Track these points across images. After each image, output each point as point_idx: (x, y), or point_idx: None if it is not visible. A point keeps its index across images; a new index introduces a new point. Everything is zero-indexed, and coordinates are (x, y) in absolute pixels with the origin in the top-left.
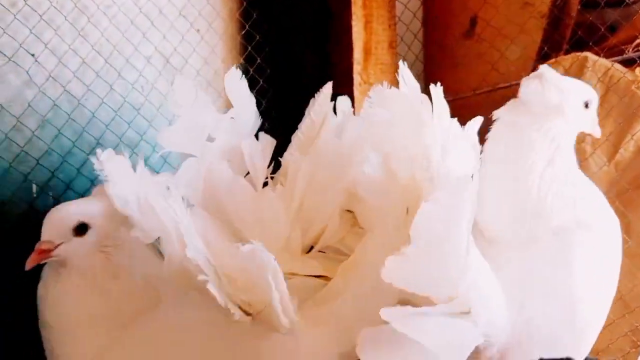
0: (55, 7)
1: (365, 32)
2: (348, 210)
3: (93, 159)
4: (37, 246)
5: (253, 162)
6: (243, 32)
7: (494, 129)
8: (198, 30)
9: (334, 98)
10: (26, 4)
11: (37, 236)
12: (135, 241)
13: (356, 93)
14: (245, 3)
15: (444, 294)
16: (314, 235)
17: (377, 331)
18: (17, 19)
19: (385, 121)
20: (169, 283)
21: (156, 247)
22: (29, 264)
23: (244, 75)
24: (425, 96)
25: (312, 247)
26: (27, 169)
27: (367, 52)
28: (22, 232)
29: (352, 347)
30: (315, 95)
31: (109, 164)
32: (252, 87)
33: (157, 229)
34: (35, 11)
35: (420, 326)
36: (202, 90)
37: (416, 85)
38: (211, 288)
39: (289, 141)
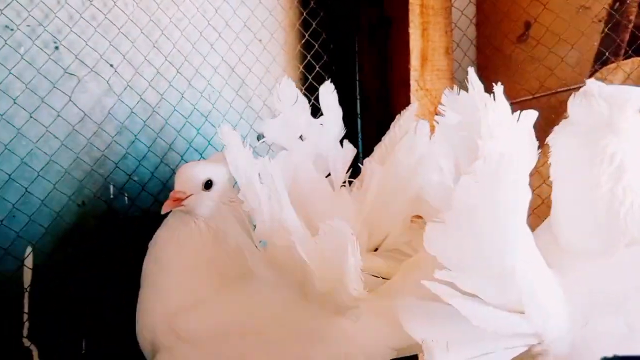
0: (132, 21)
1: (422, 39)
2: (418, 216)
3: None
4: (172, 195)
5: (335, 165)
6: (302, 41)
7: (552, 151)
8: (260, 41)
9: (391, 104)
10: (106, 17)
11: (114, 233)
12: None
13: (412, 99)
14: (305, 14)
15: (485, 273)
16: (380, 238)
17: (420, 306)
18: (98, 32)
19: (455, 125)
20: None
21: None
22: (165, 209)
23: (301, 85)
24: (489, 97)
25: (376, 249)
26: (106, 171)
27: (423, 58)
28: (101, 230)
29: (405, 344)
30: (401, 112)
31: (228, 136)
32: (311, 93)
33: (253, 200)
34: (114, 24)
35: (472, 306)
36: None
37: (482, 88)
38: (300, 248)
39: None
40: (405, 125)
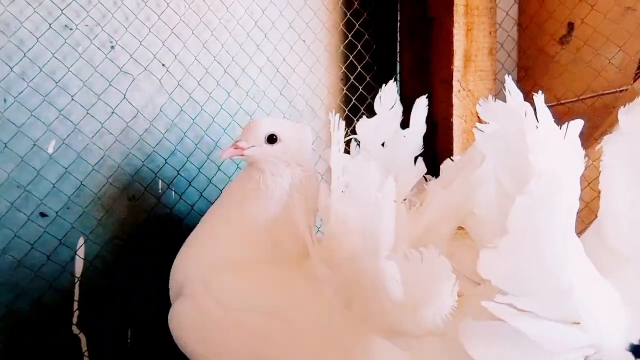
0: (183, 22)
1: (466, 39)
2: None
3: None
4: (234, 143)
5: (403, 180)
6: (345, 41)
7: (603, 160)
8: (304, 41)
9: (432, 104)
10: (159, 18)
11: (163, 227)
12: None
13: (455, 100)
14: (348, 14)
15: (542, 293)
16: None
17: (480, 325)
18: (152, 32)
19: (494, 134)
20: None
21: None
22: (225, 155)
23: (342, 85)
24: (529, 105)
25: None
26: (156, 167)
27: (467, 59)
28: (150, 223)
29: None
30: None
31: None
32: (352, 93)
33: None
34: (167, 25)
35: (529, 323)
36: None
37: (520, 96)
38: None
39: None
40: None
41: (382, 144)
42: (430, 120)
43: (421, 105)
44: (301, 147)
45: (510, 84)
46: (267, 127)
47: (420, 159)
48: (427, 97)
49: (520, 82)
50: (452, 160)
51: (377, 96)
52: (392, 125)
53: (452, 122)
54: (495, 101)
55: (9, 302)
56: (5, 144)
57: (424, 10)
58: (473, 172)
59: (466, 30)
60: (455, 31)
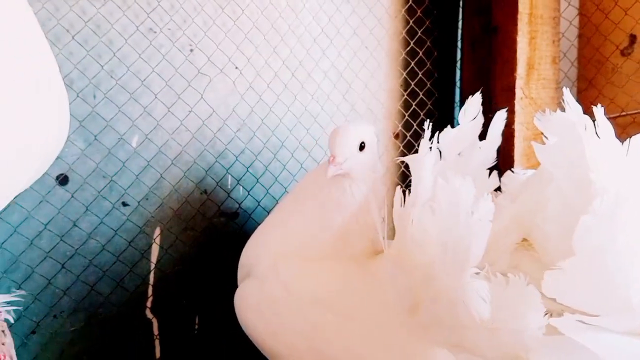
0: (256, 27)
1: (529, 47)
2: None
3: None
4: (333, 160)
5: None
6: (407, 48)
7: None
8: (367, 47)
9: (493, 111)
10: (234, 24)
11: (232, 220)
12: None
13: (517, 107)
14: (411, 22)
15: (611, 311)
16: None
17: (549, 341)
18: (227, 37)
19: (553, 147)
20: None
21: None
22: (331, 174)
23: (402, 91)
24: (588, 119)
25: None
26: (227, 163)
27: (530, 66)
28: (221, 217)
29: None
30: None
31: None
32: (412, 99)
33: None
34: (241, 30)
35: (597, 339)
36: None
37: (579, 108)
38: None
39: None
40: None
41: (459, 154)
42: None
43: (500, 119)
44: (375, 150)
45: (568, 95)
46: (358, 136)
47: (494, 174)
48: (488, 105)
49: (583, 92)
50: (512, 172)
51: (463, 108)
52: (472, 135)
53: (513, 129)
54: (553, 113)
55: (92, 283)
56: (95, 136)
57: (487, 19)
58: (542, 187)
59: (530, 38)
60: (519, 39)
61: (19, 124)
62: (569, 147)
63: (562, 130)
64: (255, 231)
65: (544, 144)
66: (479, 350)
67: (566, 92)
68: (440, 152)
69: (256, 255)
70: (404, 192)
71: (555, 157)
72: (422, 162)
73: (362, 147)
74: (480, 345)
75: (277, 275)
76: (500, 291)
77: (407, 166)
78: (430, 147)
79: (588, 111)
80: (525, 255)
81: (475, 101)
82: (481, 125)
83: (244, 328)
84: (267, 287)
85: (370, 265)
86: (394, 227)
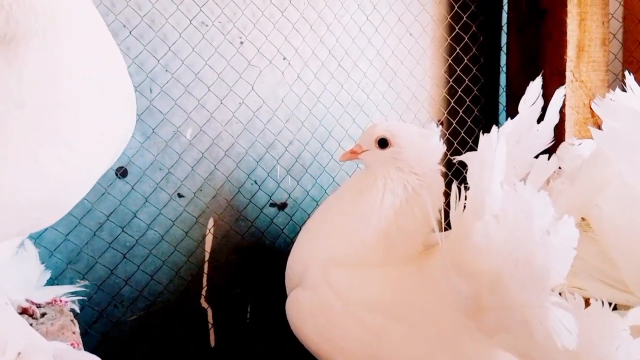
0: (303, 18)
1: (579, 29)
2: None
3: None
4: (351, 147)
5: (536, 176)
6: (452, 34)
7: None
8: (411, 34)
9: (543, 96)
10: (282, 15)
11: (282, 210)
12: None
13: (567, 90)
14: (456, 7)
15: None
16: None
17: None
18: (276, 28)
19: (612, 132)
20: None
21: None
22: (343, 158)
23: (448, 77)
24: None
25: None
26: (277, 154)
27: (580, 49)
28: (271, 206)
29: None
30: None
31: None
32: (458, 85)
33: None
34: (289, 21)
35: None
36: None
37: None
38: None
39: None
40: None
41: (517, 142)
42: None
43: (558, 97)
44: (420, 154)
45: (630, 80)
46: (378, 132)
47: (555, 156)
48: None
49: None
50: (569, 144)
51: (526, 92)
52: (530, 120)
53: (564, 114)
54: (612, 99)
55: (152, 272)
56: (153, 129)
57: (534, 1)
58: (600, 169)
59: (579, 20)
60: (568, 21)
61: (103, 114)
62: (631, 133)
63: (623, 116)
64: (299, 238)
65: (595, 127)
66: None
67: (628, 76)
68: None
69: (304, 262)
70: (459, 188)
71: (616, 143)
72: (486, 163)
73: (383, 143)
74: None
75: (329, 284)
76: (582, 318)
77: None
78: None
79: None
80: (584, 237)
81: (535, 86)
82: (540, 109)
83: (298, 336)
84: (320, 296)
85: (422, 266)
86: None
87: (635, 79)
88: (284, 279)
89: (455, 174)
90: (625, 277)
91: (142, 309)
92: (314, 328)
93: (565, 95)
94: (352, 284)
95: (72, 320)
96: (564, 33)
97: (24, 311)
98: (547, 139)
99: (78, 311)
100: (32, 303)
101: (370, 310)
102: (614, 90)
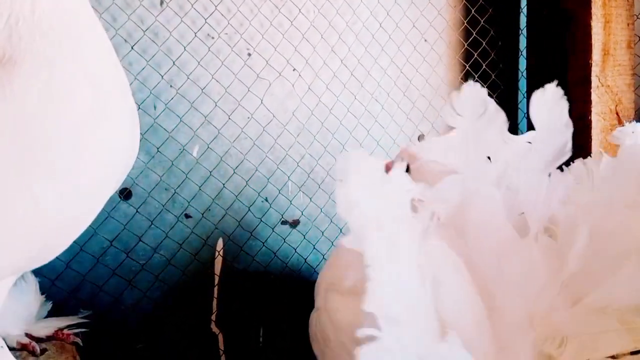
0: (313, 26)
1: (604, 32)
2: None
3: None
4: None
5: (536, 202)
6: (470, 39)
7: None
8: (426, 41)
9: (568, 102)
10: (292, 24)
11: (294, 228)
12: None
13: (593, 96)
14: (473, 11)
15: None
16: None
17: None
18: (285, 38)
19: None
20: None
21: None
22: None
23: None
24: None
25: None
26: (288, 170)
27: (605, 52)
28: (283, 224)
29: None
30: None
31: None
32: None
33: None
34: (299, 30)
35: None
36: (490, 103)
37: None
38: None
39: None
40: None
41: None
42: None
43: (547, 100)
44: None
45: None
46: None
47: (568, 169)
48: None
49: None
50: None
51: (448, 107)
52: (493, 133)
53: (590, 121)
54: None
55: (158, 299)
56: (157, 148)
57: (555, 3)
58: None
59: (604, 22)
60: (593, 24)
61: (105, 141)
62: None
63: None
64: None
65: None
66: None
67: None
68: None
69: (319, 282)
70: None
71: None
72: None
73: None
74: None
75: (325, 307)
76: None
77: None
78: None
79: None
80: None
81: (469, 91)
82: (502, 118)
83: None
84: (320, 318)
85: None
86: None
87: None
88: (298, 299)
89: None
90: None
91: (150, 336)
92: (315, 346)
93: (591, 102)
94: (339, 309)
95: (73, 357)
96: (588, 36)
97: (23, 347)
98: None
99: (81, 344)
100: (32, 337)
101: (354, 340)
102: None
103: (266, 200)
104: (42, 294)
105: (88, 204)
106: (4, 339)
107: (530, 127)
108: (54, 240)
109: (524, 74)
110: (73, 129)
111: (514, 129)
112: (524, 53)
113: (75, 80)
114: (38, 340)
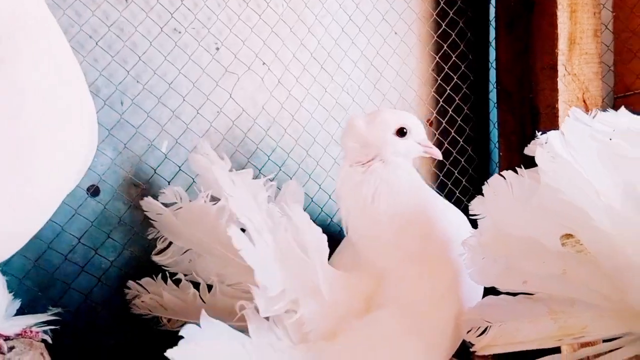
0: (282, 20)
1: (570, 21)
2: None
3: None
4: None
5: None
6: (439, 31)
7: None
8: (396, 33)
9: (534, 91)
10: (260, 18)
11: None
12: None
13: (560, 84)
14: (442, 3)
15: None
16: None
17: None
18: (253, 32)
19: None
20: None
21: None
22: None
23: (436, 76)
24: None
25: None
26: (259, 164)
27: (571, 42)
28: None
29: None
30: None
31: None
32: (446, 83)
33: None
34: (267, 24)
35: None
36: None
37: None
38: None
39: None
40: None
41: None
42: (531, 110)
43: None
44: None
45: None
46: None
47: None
48: (528, 85)
49: (627, 65)
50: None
51: None
52: None
53: (557, 109)
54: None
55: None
56: (125, 144)
57: None
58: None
59: (570, 12)
60: (559, 13)
61: (61, 140)
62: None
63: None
64: None
65: None
66: None
67: None
68: None
69: None
70: None
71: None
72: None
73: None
74: None
75: None
76: None
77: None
78: None
79: (633, 86)
80: (575, 257)
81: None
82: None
83: None
84: None
85: None
86: None
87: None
88: None
89: (446, 175)
90: (630, 298)
91: (121, 334)
92: None
93: (558, 90)
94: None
95: (42, 354)
96: (554, 26)
97: None
98: None
99: (50, 342)
100: (0, 336)
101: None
102: (606, 82)
103: None
104: (10, 292)
105: (45, 201)
106: None
107: (504, 116)
108: (12, 238)
109: (493, 64)
110: (31, 129)
111: (484, 120)
112: (493, 44)
113: (32, 81)
114: (6, 339)
